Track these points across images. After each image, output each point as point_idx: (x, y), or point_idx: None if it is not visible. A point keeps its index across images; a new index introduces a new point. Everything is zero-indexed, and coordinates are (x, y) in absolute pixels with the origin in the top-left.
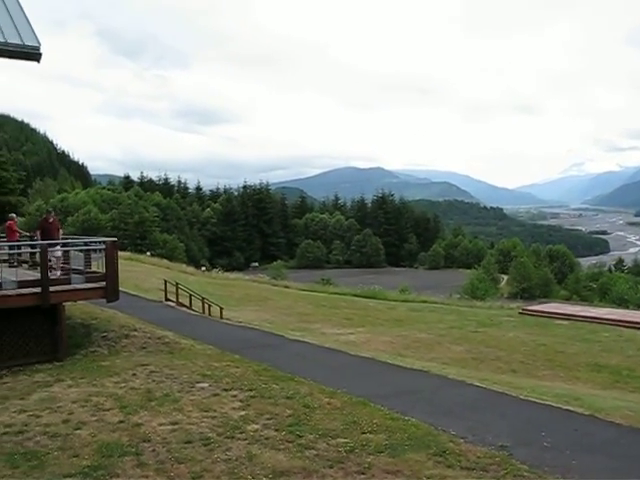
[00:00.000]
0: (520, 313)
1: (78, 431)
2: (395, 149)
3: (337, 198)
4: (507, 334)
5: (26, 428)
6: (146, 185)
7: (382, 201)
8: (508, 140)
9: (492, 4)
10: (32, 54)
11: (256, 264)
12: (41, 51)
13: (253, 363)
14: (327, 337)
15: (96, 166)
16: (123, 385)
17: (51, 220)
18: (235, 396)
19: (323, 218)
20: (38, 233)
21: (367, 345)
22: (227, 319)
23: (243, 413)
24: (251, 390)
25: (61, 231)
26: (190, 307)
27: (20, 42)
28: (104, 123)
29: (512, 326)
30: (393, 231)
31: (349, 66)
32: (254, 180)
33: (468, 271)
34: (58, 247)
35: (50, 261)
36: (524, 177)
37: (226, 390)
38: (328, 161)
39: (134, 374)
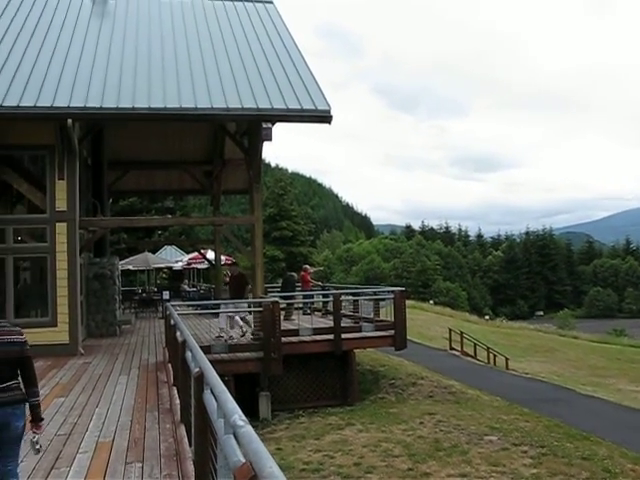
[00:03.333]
0: None
1: (369, 475)
2: None
3: (628, 242)
4: None
5: (321, 467)
6: (427, 234)
7: None
8: None
9: None
10: (324, 117)
11: (541, 313)
12: (331, 114)
13: (543, 418)
14: (624, 394)
15: (378, 216)
16: (411, 433)
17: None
18: (525, 452)
19: (614, 264)
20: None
21: None
22: (513, 370)
23: (535, 471)
24: (542, 447)
25: (248, 287)
26: (475, 356)
27: (314, 107)
28: (385, 175)
29: None
30: None
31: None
32: (536, 226)
33: None
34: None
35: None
36: None
37: (516, 445)
38: (616, 202)
39: (421, 422)
